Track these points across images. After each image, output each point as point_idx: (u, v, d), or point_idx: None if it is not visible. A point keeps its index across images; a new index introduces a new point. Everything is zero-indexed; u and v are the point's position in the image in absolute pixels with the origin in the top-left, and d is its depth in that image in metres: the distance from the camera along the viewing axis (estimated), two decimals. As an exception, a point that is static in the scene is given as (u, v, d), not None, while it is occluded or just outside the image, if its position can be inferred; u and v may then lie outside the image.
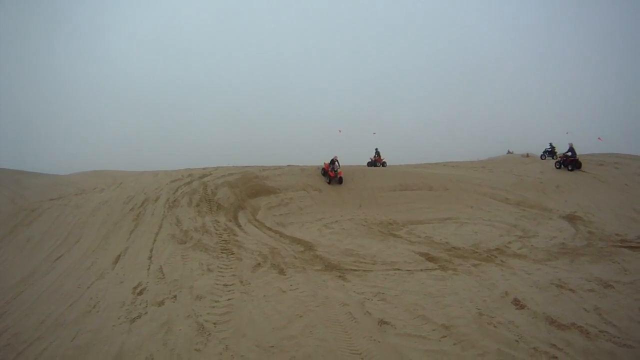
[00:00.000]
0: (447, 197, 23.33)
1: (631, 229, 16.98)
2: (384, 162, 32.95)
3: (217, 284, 10.39)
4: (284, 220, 19.00)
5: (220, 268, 11.59)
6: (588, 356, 6.74)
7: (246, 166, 26.77)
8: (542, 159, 34.35)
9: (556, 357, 6.71)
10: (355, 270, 11.65)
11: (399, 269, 11.78)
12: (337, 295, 9.50)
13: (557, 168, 28.59)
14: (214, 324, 8.25)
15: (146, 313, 8.96)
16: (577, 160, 28.11)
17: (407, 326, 7.94)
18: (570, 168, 27.98)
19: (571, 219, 18.92)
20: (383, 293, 9.68)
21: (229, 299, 9.43)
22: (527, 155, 43.01)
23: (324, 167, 25.48)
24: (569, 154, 28.23)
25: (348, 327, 7.92)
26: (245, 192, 21.32)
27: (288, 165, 27.49)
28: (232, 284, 10.39)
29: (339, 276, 11.00)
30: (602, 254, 13.13)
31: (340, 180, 24.78)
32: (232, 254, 12.92)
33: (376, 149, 33.61)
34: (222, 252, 13.04)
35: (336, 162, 25.29)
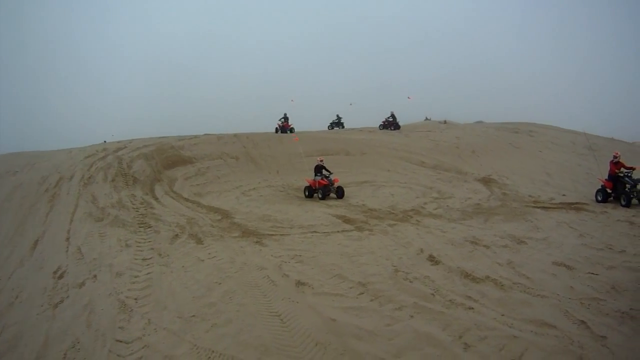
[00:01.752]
0: (364, 161, 23.62)
1: (544, 191, 17.85)
2: (292, 128, 32.50)
3: (135, 259, 10.09)
4: (202, 190, 18.69)
5: (139, 243, 11.31)
6: (503, 306, 6.96)
7: (162, 137, 26.01)
8: (329, 129, 36.25)
9: (472, 308, 6.88)
10: (273, 235, 11.65)
11: (315, 232, 11.89)
12: (255, 260, 9.46)
13: (380, 129, 35.04)
14: (135, 299, 7.97)
15: (68, 297, 8.52)
16: (397, 123, 35.24)
17: (324, 285, 7.98)
18: (392, 129, 34.61)
19: (486, 181, 19.70)
20: (300, 255, 9.73)
21: (148, 273, 9.17)
22: (445, 122, 44.01)
23: (309, 184, 18.52)
24: (390, 119, 35.32)
25: (266, 290, 7.87)
26: (161, 163, 20.77)
27: (205, 134, 26.93)
28: (151, 258, 10.14)
29: (257, 242, 10.97)
30: (516, 214, 13.75)
31: (340, 192, 17.92)
32: (150, 227, 12.68)
33: (284, 114, 33.27)
34: (140, 227, 12.77)
35: (323, 168, 18.51)
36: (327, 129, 36.02)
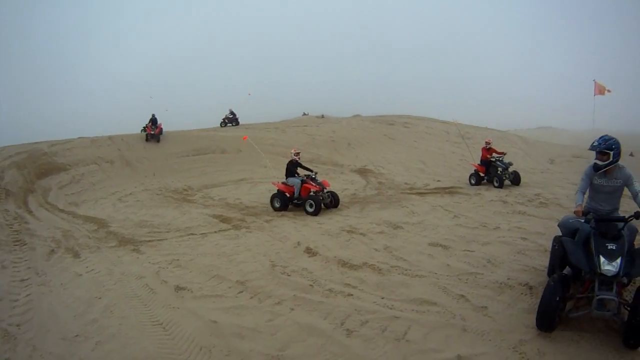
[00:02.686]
0: (241, 159, 23.55)
1: (419, 178, 18.57)
2: (161, 129, 31.61)
3: (13, 281, 9.14)
4: (77, 199, 17.71)
5: (15, 262, 10.33)
6: (382, 289, 7.04)
7: (34, 142, 24.31)
8: (221, 126, 36.21)
9: (351, 294, 6.90)
10: (150, 241, 11.18)
11: (193, 234, 11.58)
12: (133, 269, 9.02)
13: (222, 126, 34.89)
14: (18, 325, 7.22)
15: None
16: (237, 119, 35.83)
17: (203, 288, 7.74)
18: (233, 124, 35.13)
19: (362, 172, 20.20)
20: (178, 259, 9.40)
21: (27, 295, 8.35)
22: (322, 117, 44.67)
23: (280, 189, 14.31)
24: (230, 116, 35.74)
25: (146, 300, 7.48)
26: (34, 172, 19.46)
27: (79, 138, 25.54)
28: (29, 278, 9.25)
29: (134, 249, 10.47)
30: (392, 201, 14.13)
31: (335, 200, 13.94)
32: (25, 244, 11.66)
33: (152, 115, 32.05)
34: (15, 245, 11.70)
35: (300, 166, 14.51)
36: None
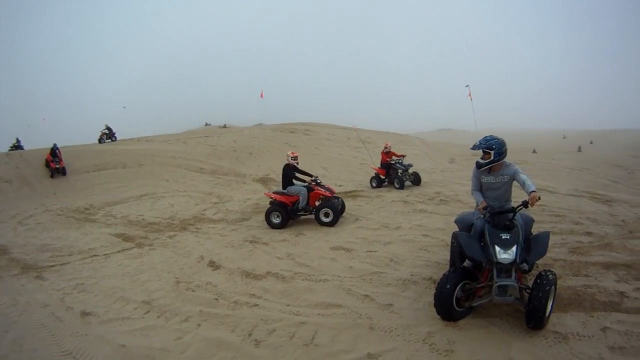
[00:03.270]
0: (142, 173, 22.89)
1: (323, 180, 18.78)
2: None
3: None
4: (-27, 225, 16.52)
5: None
6: (287, 297, 7.18)
7: None
8: (100, 142, 35.35)
9: (257, 305, 6.98)
10: (53, 265, 10.69)
11: (96, 255, 11.20)
12: (38, 297, 8.60)
13: (100, 143, 33.52)
14: None
15: None
16: (114, 135, 35.13)
17: (109, 312, 7.53)
18: (112, 140, 34.43)
19: (264, 181, 20.41)
20: (82, 284, 9.08)
21: None
22: (225, 126, 44.54)
23: (279, 201, 12.46)
24: (107, 131, 34.85)
25: (54, 329, 7.18)
26: None
27: (11, 149, 24.08)
28: None
29: (37, 276, 9.96)
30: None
31: (343, 208, 13.05)
32: None
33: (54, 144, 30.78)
34: None
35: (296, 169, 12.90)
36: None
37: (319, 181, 12.77)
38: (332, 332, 5.88)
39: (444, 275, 5.80)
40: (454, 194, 14.47)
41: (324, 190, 12.35)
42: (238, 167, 23.69)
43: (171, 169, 23.37)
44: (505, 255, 5.52)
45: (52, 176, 22.03)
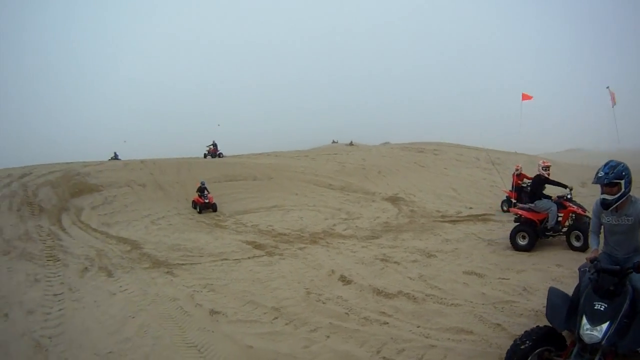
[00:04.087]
0: (272, 186, 23.74)
1: (451, 205, 18.46)
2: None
3: (46, 295, 9.38)
4: (110, 220, 18.06)
5: (48, 277, 10.60)
6: (417, 318, 7.01)
7: (68, 162, 24.89)
8: (204, 157, 35.87)
9: (387, 323, 6.87)
10: (183, 264, 11.35)
11: (226, 259, 11.69)
12: (167, 291, 9.12)
13: (205, 158, 33.54)
14: (50, 338, 7.35)
15: None
16: (220, 153, 34.86)
17: (238, 313, 7.76)
18: (219, 156, 34.06)
19: (393, 200, 20.14)
20: (212, 284, 9.47)
21: (60, 310, 8.53)
22: (351, 144, 44.88)
23: (526, 217, 11.97)
24: (212, 147, 34.76)
25: (181, 321, 7.55)
26: (68, 191, 19.96)
27: (111, 159, 26.11)
28: (62, 293, 9.47)
29: (167, 272, 10.63)
30: (424, 229, 14.07)
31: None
32: (58, 260, 11.98)
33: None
34: (48, 260, 12.03)
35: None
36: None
37: (569, 196, 11.60)
38: (461, 358, 5.64)
39: (525, 332, 4.63)
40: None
41: (576, 207, 11.24)
42: (367, 185, 23.79)
43: (300, 184, 23.92)
44: (590, 332, 4.14)
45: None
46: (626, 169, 4.67)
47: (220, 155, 33.09)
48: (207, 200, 20.64)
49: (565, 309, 4.66)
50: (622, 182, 4.62)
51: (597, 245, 5.11)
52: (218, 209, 20.63)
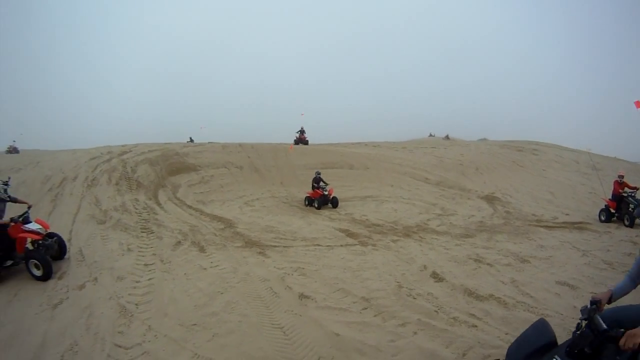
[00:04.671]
0: (368, 176, 23.79)
1: (547, 210, 17.89)
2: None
3: (137, 264, 10.08)
4: (205, 198, 18.84)
5: (141, 247, 11.34)
6: (507, 324, 6.94)
7: (167, 143, 26.09)
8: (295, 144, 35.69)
9: (476, 326, 6.86)
10: (276, 246, 11.65)
11: (319, 245, 11.89)
12: (258, 271, 9.45)
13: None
14: (136, 304, 7.91)
15: (67, 298, 8.36)
16: (307, 140, 34.76)
17: (327, 299, 7.94)
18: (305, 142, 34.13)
19: (489, 199, 19.74)
20: (303, 268, 9.71)
21: (149, 279, 9.14)
22: (448, 138, 44.24)
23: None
24: (300, 132, 35.15)
25: (269, 302, 7.82)
26: (166, 169, 20.91)
27: (209, 142, 27.06)
28: (153, 263, 10.13)
29: (259, 252, 10.98)
30: (519, 232, 13.75)
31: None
32: (152, 232, 12.72)
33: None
34: (142, 231, 12.81)
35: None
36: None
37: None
38: (546, 371, 5.61)
39: None
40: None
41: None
42: (463, 181, 23.42)
43: (396, 176, 23.87)
44: None
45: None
46: None
47: (306, 142, 33.58)
48: (326, 193, 18.62)
49: (530, 351, 3.46)
50: None
51: (619, 291, 3.90)
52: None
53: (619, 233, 13.96)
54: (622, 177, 16.53)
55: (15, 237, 9.47)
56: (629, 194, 15.79)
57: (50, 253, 9.96)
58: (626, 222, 15.21)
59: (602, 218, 16.15)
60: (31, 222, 9.88)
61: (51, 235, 10.37)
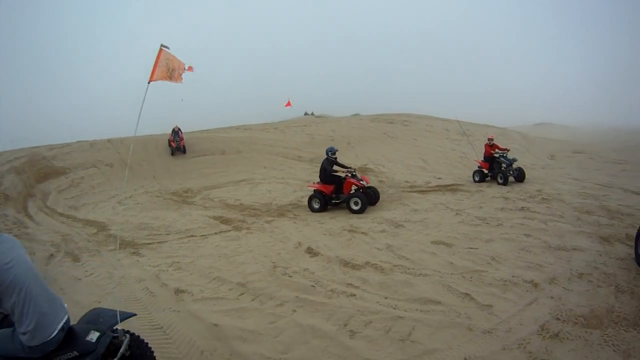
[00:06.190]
0: (240, 160, 23.51)
1: (419, 176, 18.48)
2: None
3: None
4: (76, 203, 17.61)
5: None
6: (385, 289, 6.97)
7: (33, 147, 24.25)
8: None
9: (354, 295, 6.82)
10: (150, 243, 11.14)
11: (193, 236, 11.54)
12: (133, 272, 8.96)
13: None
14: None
15: None
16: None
17: (204, 291, 7.65)
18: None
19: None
20: (178, 262, 9.34)
21: None
22: (312, 114, 44.88)
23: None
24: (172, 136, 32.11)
25: (147, 303, 7.38)
26: (33, 176, 19.35)
27: (77, 142, 25.50)
28: None
29: (133, 252, 10.43)
30: (392, 199, 14.08)
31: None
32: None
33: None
34: None
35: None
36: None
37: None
38: (430, 329, 5.62)
39: None
40: (557, 193, 13.64)
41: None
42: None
43: (269, 157, 23.78)
44: None
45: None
46: None
47: (184, 150, 31.73)
48: (364, 183, 14.13)
49: None
50: None
51: None
52: (187, 186, 20.04)
53: (491, 191, 14.73)
54: (492, 139, 17.52)
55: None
56: (501, 154, 16.70)
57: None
58: (500, 181, 16.25)
59: (476, 179, 17.09)
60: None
61: None
